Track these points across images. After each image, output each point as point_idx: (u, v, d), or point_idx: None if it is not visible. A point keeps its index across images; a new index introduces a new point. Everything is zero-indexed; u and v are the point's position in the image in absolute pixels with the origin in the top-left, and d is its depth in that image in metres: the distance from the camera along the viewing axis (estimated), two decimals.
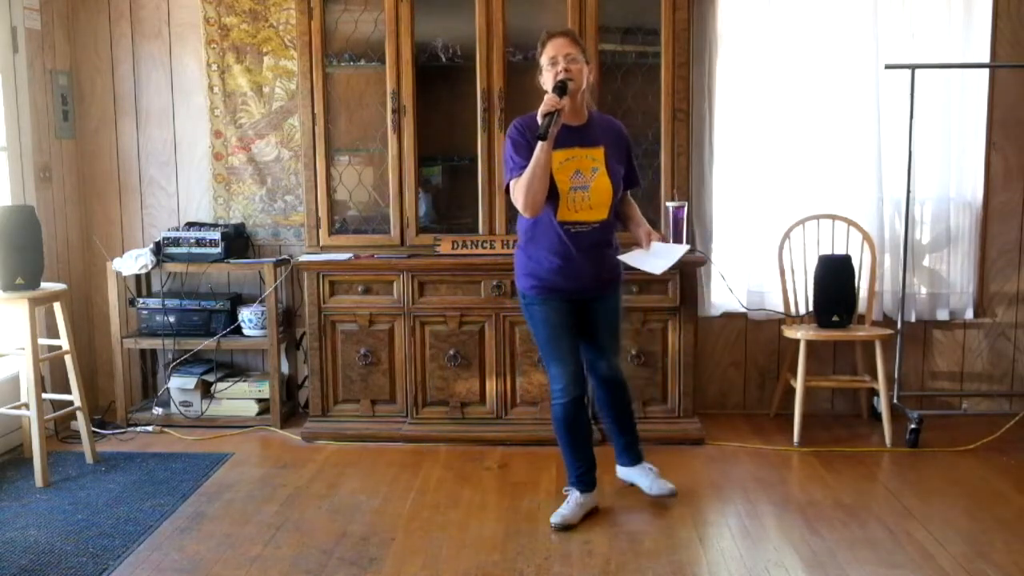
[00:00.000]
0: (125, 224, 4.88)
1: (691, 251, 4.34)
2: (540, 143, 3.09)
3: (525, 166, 3.15)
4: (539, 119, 3.10)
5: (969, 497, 3.63)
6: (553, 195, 3.20)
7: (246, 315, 4.60)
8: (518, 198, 3.19)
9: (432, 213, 4.55)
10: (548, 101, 3.09)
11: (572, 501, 3.39)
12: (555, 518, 3.34)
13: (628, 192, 3.46)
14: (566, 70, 3.14)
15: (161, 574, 3.01)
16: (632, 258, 3.42)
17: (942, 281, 4.66)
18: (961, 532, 3.29)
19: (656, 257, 3.40)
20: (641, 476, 3.60)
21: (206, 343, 4.57)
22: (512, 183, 3.22)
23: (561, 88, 3.11)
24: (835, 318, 4.33)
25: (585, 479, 3.41)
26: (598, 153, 3.25)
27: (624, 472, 3.67)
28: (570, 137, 3.22)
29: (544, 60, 3.21)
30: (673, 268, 4.17)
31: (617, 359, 3.51)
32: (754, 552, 3.15)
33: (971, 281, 4.65)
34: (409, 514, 3.48)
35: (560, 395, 3.32)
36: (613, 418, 3.59)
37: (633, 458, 3.63)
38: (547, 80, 3.20)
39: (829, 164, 4.58)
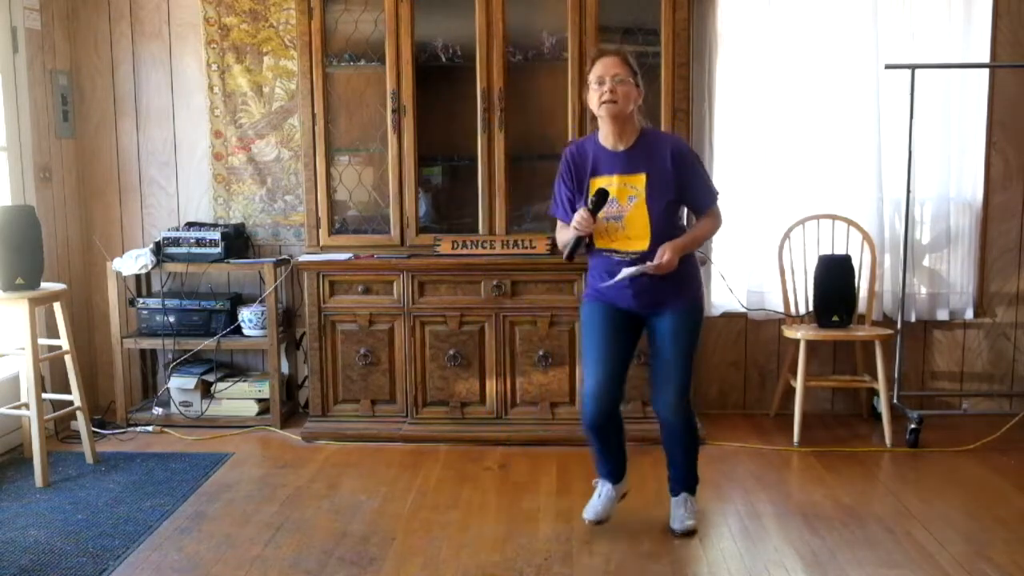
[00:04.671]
0: (125, 224, 4.88)
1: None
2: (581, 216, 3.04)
3: (563, 201, 3.21)
4: (570, 233, 3.08)
5: (969, 497, 3.63)
6: None
7: (246, 315, 4.60)
8: (557, 239, 3.29)
9: (432, 213, 4.55)
10: (582, 222, 3.01)
11: (604, 494, 3.33)
12: (588, 513, 3.31)
13: (705, 213, 3.17)
14: (611, 91, 3.01)
15: (161, 574, 3.01)
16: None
17: (942, 281, 4.66)
18: (961, 532, 3.29)
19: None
20: (674, 506, 3.35)
21: (206, 343, 4.57)
22: (557, 219, 3.28)
23: (597, 202, 3.01)
24: (835, 318, 4.33)
25: (614, 473, 3.35)
26: (639, 181, 3.07)
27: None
28: (611, 163, 3.09)
29: (592, 79, 3.07)
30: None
31: (677, 397, 3.17)
32: (754, 552, 3.15)
33: (971, 281, 4.65)
34: (409, 514, 3.48)
35: (585, 403, 3.21)
36: (667, 454, 3.35)
37: (673, 489, 3.37)
38: (592, 100, 3.08)
39: (829, 164, 4.58)
